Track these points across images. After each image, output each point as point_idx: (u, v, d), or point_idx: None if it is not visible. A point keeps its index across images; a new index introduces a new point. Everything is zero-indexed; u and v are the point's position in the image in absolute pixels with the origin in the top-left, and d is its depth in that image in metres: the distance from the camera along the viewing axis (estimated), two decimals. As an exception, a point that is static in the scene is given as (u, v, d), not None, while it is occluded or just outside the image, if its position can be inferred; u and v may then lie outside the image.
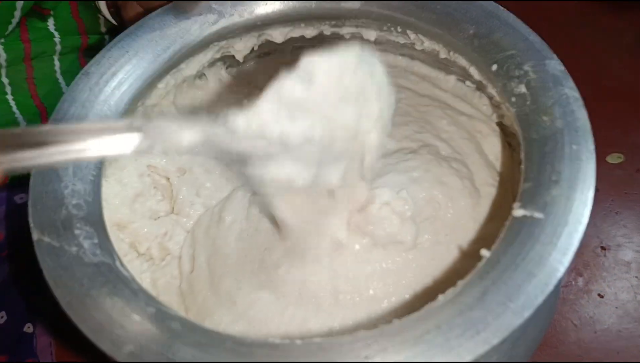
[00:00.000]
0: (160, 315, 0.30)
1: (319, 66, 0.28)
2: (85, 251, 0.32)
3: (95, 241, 0.33)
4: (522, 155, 0.36)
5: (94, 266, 0.32)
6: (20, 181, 0.51)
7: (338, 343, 0.29)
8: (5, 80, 0.50)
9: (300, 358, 0.28)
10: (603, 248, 0.49)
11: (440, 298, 0.30)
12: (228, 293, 0.40)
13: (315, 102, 0.28)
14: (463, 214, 0.41)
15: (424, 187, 0.41)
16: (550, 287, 0.29)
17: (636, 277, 0.47)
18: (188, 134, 0.27)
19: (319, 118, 0.28)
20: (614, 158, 0.54)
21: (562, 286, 0.47)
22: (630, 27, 0.63)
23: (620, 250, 0.49)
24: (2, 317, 0.47)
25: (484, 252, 0.32)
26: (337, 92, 0.28)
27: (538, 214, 0.32)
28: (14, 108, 0.51)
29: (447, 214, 0.41)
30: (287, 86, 0.27)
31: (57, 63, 0.53)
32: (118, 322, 0.29)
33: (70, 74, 0.54)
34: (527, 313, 0.28)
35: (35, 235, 0.32)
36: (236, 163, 0.29)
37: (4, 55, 0.49)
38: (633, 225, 0.51)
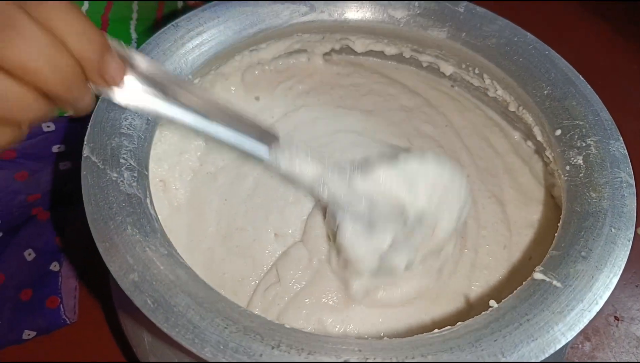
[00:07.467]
0: (171, 259, 0.31)
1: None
2: (123, 180, 0.34)
3: (135, 174, 0.35)
4: (560, 224, 0.35)
5: (126, 196, 0.33)
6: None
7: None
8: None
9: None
10: (616, 318, 0.47)
11: (436, 332, 0.30)
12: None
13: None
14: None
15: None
16: (545, 355, 0.28)
17: (644, 355, 0.45)
18: (309, 167, 0.35)
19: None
20: None
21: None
22: None
23: (633, 323, 0.48)
24: (29, 254, 0.50)
25: (492, 302, 0.32)
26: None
27: (557, 283, 0.31)
28: None
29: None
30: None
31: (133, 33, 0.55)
32: (131, 252, 0.31)
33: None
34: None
35: (85, 152, 0.35)
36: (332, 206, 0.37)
37: None
38: (652, 302, 0.48)
